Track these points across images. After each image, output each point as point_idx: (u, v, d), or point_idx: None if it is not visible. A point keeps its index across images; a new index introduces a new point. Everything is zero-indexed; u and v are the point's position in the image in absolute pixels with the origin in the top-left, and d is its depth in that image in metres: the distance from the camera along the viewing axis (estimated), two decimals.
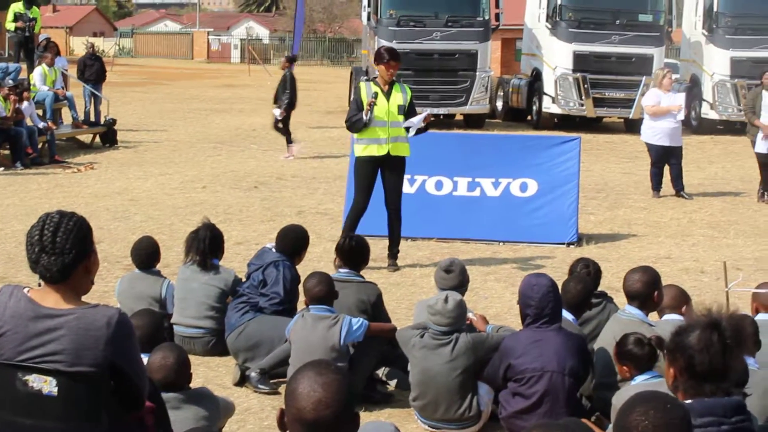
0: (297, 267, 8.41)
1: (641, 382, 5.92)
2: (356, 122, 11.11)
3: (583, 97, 27.42)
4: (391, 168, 11.20)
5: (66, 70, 25.45)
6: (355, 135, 11.26)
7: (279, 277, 8.14)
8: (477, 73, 27.55)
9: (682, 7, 30.47)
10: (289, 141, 21.18)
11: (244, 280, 8.50)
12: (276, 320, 7.92)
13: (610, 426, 6.11)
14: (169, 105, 34.17)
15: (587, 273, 7.73)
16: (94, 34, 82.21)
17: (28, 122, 19.84)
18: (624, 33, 27.38)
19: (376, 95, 11.04)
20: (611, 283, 9.74)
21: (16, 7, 23.74)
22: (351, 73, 33.18)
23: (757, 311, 7.24)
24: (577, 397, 6.60)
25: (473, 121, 28.42)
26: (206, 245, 8.50)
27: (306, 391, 3.34)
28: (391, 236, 11.48)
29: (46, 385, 4.07)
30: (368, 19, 28.25)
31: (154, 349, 5.68)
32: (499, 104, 31.64)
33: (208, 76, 53.79)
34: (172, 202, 15.58)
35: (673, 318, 6.91)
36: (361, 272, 8.17)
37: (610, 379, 6.49)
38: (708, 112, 27.93)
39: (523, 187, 13.23)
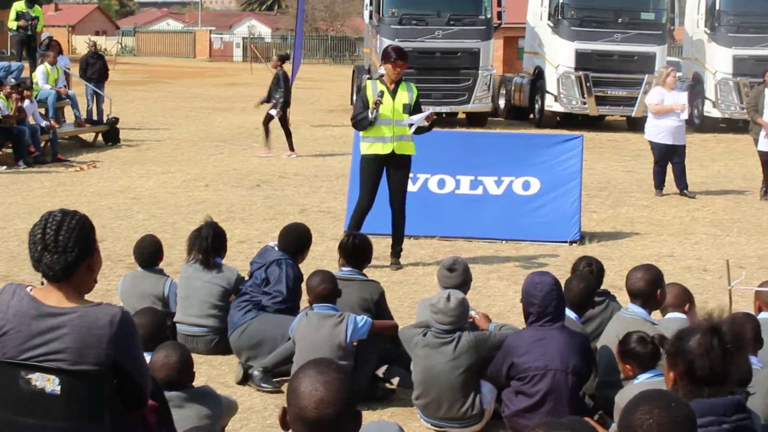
0: (300, 265, 8.40)
1: (644, 381, 5.92)
2: (362, 120, 11.11)
3: (586, 96, 27.42)
4: (395, 166, 11.20)
5: (69, 69, 25.47)
6: (361, 133, 11.27)
7: (282, 275, 8.14)
8: (479, 72, 27.56)
9: (685, 5, 30.47)
10: (290, 137, 21.16)
11: (246, 278, 8.49)
12: (279, 319, 7.92)
13: (613, 424, 6.11)
14: (172, 103, 34.19)
15: (590, 271, 7.72)
16: (97, 33, 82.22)
17: (31, 121, 19.86)
18: (626, 31, 27.39)
19: (382, 94, 11.03)
20: (614, 281, 9.74)
21: (19, 6, 23.74)
22: (353, 72, 33.20)
23: (759, 310, 7.23)
24: (580, 395, 6.60)
25: (476, 120, 28.44)
26: (209, 244, 8.50)
27: (308, 390, 3.33)
28: (395, 235, 11.48)
29: (49, 383, 4.07)
30: (370, 17, 28.25)
31: (156, 348, 5.68)
32: (502, 102, 31.66)
33: (210, 74, 53.82)
34: (174, 200, 15.58)
35: (676, 316, 6.91)
36: (364, 271, 8.17)
37: (613, 378, 6.48)
38: (710, 111, 27.93)
39: (526, 186, 13.23)
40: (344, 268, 8.08)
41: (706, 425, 3.93)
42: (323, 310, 7.28)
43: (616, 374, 6.39)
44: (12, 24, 24.02)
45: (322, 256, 11.46)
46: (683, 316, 6.93)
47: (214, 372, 8.04)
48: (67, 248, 4.10)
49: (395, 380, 7.73)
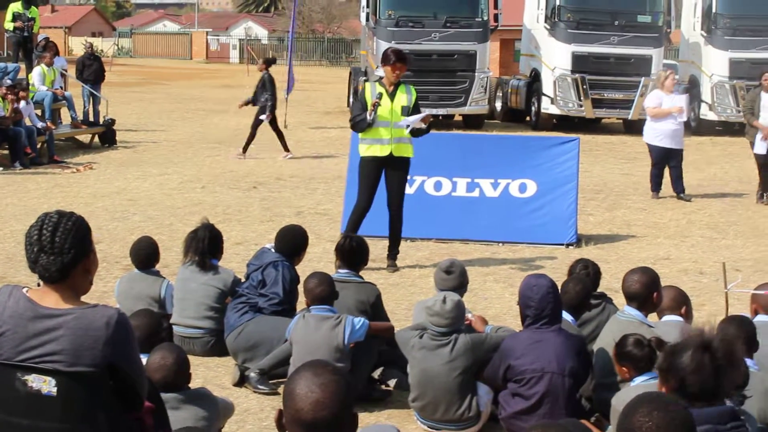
0: (296, 267, 8.40)
1: (641, 383, 5.91)
2: (360, 122, 11.12)
3: (582, 98, 27.43)
4: (394, 169, 11.21)
5: (65, 71, 25.46)
6: (359, 135, 11.28)
7: (278, 277, 8.14)
8: (476, 74, 27.55)
9: (681, 8, 30.50)
10: (283, 142, 21.12)
11: (243, 280, 8.49)
12: (275, 320, 7.92)
13: (610, 427, 6.12)
14: (168, 105, 34.17)
15: (586, 274, 7.73)
16: (93, 34, 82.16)
17: (27, 122, 19.83)
18: (623, 34, 27.39)
19: (380, 96, 11.04)
20: (610, 284, 9.75)
21: (15, 7, 23.75)
22: (350, 74, 33.19)
23: (756, 312, 7.24)
24: (577, 398, 6.60)
25: (472, 122, 28.43)
26: (205, 245, 8.50)
27: (304, 392, 3.32)
28: (392, 237, 11.49)
29: (45, 385, 4.06)
30: (367, 19, 28.25)
31: (153, 350, 5.67)
32: (498, 105, 31.65)
33: (206, 76, 53.80)
34: (170, 202, 15.57)
35: (673, 319, 6.91)
36: (361, 272, 8.17)
37: (609, 380, 6.48)
38: (707, 113, 27.95)
39: (522, 188, 13.23)
40: (341, 270, 8.08)
41: None
42: (320, 312, 7.28)
43: (612, 376, 6.39)
44: (8, 25, 24.04)
45: (319, 258, 11.45)
46: (680, 319, 6.93)
47: (210, 374, 8.03)
48: (63, 250, 4.09)
49: (392, 382, 7.73)
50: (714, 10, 27.74)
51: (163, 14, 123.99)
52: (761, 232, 14.17)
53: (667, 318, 6.97)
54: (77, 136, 23.07)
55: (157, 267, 8.85)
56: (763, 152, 16.07)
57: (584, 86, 27.30)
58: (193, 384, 5.93)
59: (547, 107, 28.01)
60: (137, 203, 15.42)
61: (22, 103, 19.67)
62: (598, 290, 7.82)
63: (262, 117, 20.83)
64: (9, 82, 20.53)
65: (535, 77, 28.98)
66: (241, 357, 8.01)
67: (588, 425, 6.00)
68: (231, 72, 57.86)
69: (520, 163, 13.33)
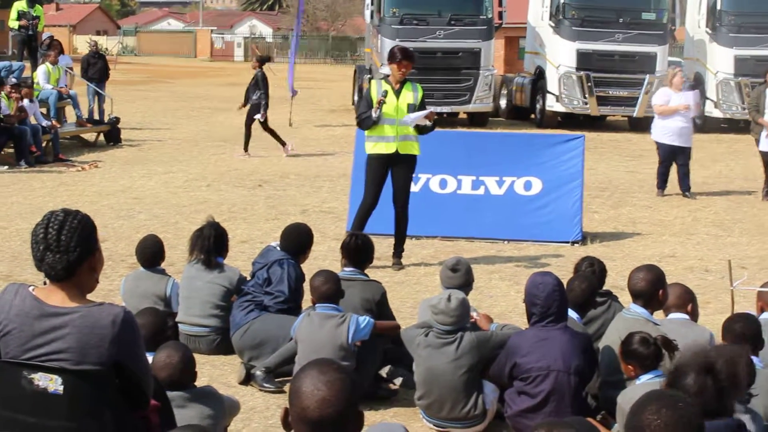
0: (302, 266, 8.40)
1: (646, 381, 5.91)
2: (365, 119, 11.14)
3: (587, 96, 27.41)
4: (399, 166, 11.21)
5: (71, 69, 25.47)
6: (365, 132, 11.29)
7: (284, 275, 8.14)
8: (480, 72, 27.53)
9: (686, 5, 30.46)
10: (279, 138, 21.11)
11: (248, 278, 8.49)
12: (281, 319, 7.92)
13: (616, 425, 6.11)
14: (173, 103, 34.19)
15: (592, 271, 7.72)
16: (98, 33, 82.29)
17: (32, 121, 19.85)
18: (627, 31, 27.38)
19: (385, 93, 11.05)
20: (616, 281, 9.73)
21: (20, 6, 23.74)
22: (354, 72, 33.19)
23: (762, 310, 7.24)
24: (583, 395, 6.60)
25: (477, 120, 28.43)
26: (211, 244, 8.50)
27: (309, 390, 3.32)
28: (397, 235, 11.49)
29: (51, 383, 4.07)
30: (371, 17, 28.24)
31: (159, 348, 5.67)
32: (503, 103, 31.65)
33: (211, 74, 53.85)
34: (176, 200, 15.58)
35: (679, 317, 6.90)
36: (366, 271, 8.17)
37: (615, 378, 6.48)
38: (712, 111, 27.92)
39: (528, 186, 13.23)
40: (346, 269, 8.07)
41: None
42: (325, 311, 7.28)
43: (618, 374, 6.39)
44: (13, 23, 24.03)
45: (324, 256, 11.45)
46: (686, 316, 6.92)
47: (216, 372, 8.04)
48: (69, 248, 4.09)
49: (398, 381, 7.73)
50: (719, 8, 27.72)
51: (167, 12, 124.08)
52: (767, 230, 14.16)
53: (673, 315, 6.96)
54: (82, 135, 23.08)
55: (163, 265, 8.85)
56: None
57: (589, 84, 27.28)
58: (199, 382, 5.93)
59: (552, 105, 28.00)
60: (142, 201, 15.42)
61: (27, 102, 19.69)
62: (604, 288, 7.81)
63: (257, 116, 20.82)
64: (14, 80, 20.54)
65: (539, 75, 28.96)
66: (247, 355, 8.01)
67: (594, 423, 6.00)
68: (235, 70, 57.84)
69: (525, 161, 13.32)
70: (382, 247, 11.07)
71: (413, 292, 10.38)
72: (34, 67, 23.59)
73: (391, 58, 11.21)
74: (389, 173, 11.26)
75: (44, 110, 21.67)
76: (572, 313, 6.96)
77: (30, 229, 4.22)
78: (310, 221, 11.40)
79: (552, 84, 27.92)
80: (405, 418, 7.09)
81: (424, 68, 25.48)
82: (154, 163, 19.83)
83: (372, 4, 28.00)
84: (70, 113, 24.02)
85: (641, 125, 27.65)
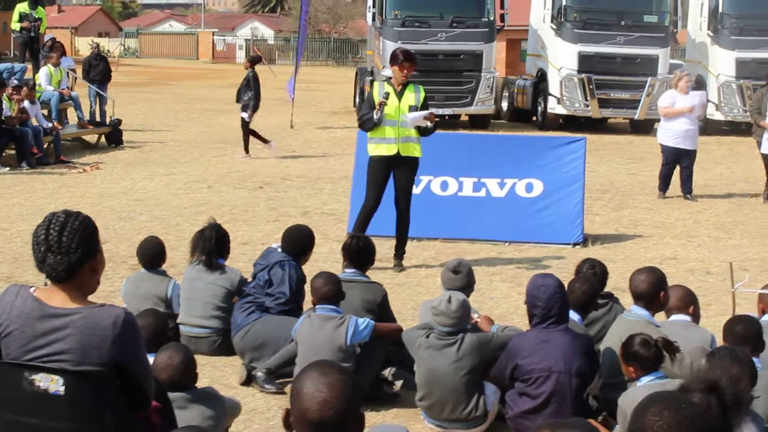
0: (303, 267, 8.40)
1: (647, 383, 5.90)
2: (367, 121, 11.15)
3: (589, 98, 27.41)
4: (401, 168, 11.22)
5: (73, 71, 25.49)
6: (368, 134, 11.30)
7: (285, 277, 8.14)
8: (482, 74, 27.53)
9: (688, 8, 30.45)
10: (248, 142, 21.10)
11: (249, 280, 8.50)
12: (282, 320, 7.92)
13: (617, 426, 6.11)
14: (174, 105, 34.20)
15: (593, 273, 7.72)
16: (99, 35, 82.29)
17: (34, 122, 19.86)
18: (629, 34, 27.37)
19: (387, 95, 11.05)
20: (617, 283, 9.73)
21: (22, 8, 23.78)
22: (356, 74, 33.17)
23: (763, 312, 7.25)
24: (584, 397, 6.60)
25: (478, 122, 28.42)
26: (212, 245, 8.51)
27: (310, 392, 3.32)
28: (398, 237, 11.49)
29: (52, 384, 4.07)
30: (373, 19, 28.24)
31: (160, 349, 5.68)
32: (504, 105, 31.64)
33: (213, 76, 53.82)
34: (177, 202, 15.58)
35: (680, 319, 6.91)
36: (367, 272, 8.17)
37: (616, 380, 6.47)
38: (713, 113, 27.89)
39: (529, 188, 13.23)
40: (347, 270, 8.08)
41: None
42: (325, 312, 7.28)
43: (619, 376, 6.38)
44: (15, 25, 24.07)
45: (326, 257, 11.45)
46: (687, 318, 6.93)
47: (217, 373, 8.04)
48: (70, 249, 4.10)
49: (399, 382, 7.73)
50: (720, 10, 27.71)
51: (169, 14, 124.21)
52: None
53: (674, 317, 6.96)
54: (84, 136, 23.09)
55: (164, 267, 8.86)
56: None
57: (591, 86, 27.28)
58: (200, 383, 5.93)
59: (554, 107, 28.00)
60: (144, 203, 15.43)
61: (29, 103, 19.70)
62: (605, 290, 7.81)
63: (243, 115, 20.85)
64: (15, 82, 20.56)
65: (541, 77, 28.96)
66: (248, 356, 8.01)
67: (595, 425, 5.99)
68: (237, 72, 57.59)
69: (526, 163, 13.32)
70: (384, 248, 11.07)
71: (414, 294, 10.38)
72: (36, 69, 23.61)
73: (393, 60, 11.22)
74: (391, 175, 11.27)
75: (46, 112, 21.69)
76: (573, 315, 6.96)
77: (31, 231, 4.23)
78: (312, 223, 11.40)
79: (553, 86, 27.92)
80: (406, 419, 7.09)
81: (426, 70, 25.51)
82: (155, 164, 19.83)
83: (374, 6, 28.00)
84: (71, 115, 24.04)
85: (643, 128, 27.70)
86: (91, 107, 24.94)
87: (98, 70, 25.33)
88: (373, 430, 4.81)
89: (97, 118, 24.61)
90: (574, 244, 12.84)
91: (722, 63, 27.61)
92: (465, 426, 6.87)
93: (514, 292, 10.41)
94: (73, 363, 4.06)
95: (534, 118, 29.73)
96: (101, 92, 24.96)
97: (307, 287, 7.88)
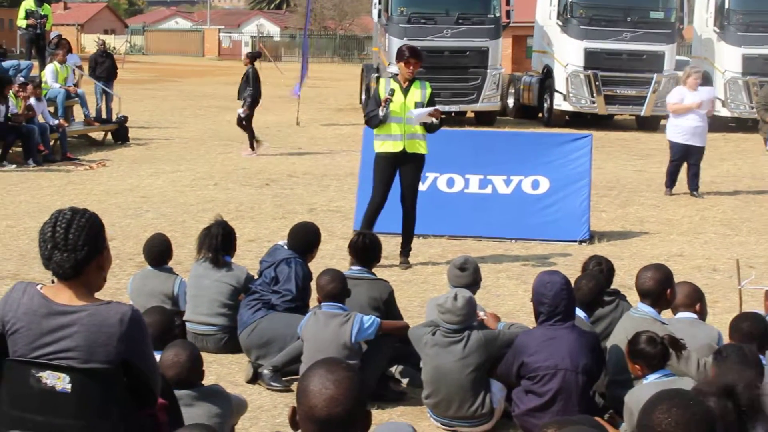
0: (309, 264, 8.40)
1: (653, 381, 5.89)
2: (373, 118, 11.16)
3: (595, 95, 27.38)
4: (407, 165, 11.21)
5: (80, 68, 25.49)
6: (374, 131, 11.29)
7: (291, 274, 8.13)
8: (488, 71, 27.50)
9: (694, 4, 30.39)
10: (252, 138, 21.09)
11: (256, 277, 8.49)
12: (288, 317, 7.92)
13: (623, 424, 6.10)
14: (180, 102, 34.22)
15: (600, 270, 7.71)
16: (105, 32, 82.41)
17: (40, 119, 19.88)
18: (635, 30, 27.33)
19: (392, 92, 11.05)
20: (623, 280, 9.72)
21: (28, 5, 23.78)
22: (362, 71, 33.17)
23: None
24: (590, 394, 6.59)
25: (484, 119, 28.40)
26: (218, 242, 8.50)
27: (318, 389, 3.31)
28: (405, 234, 11.48)
29: (59, 381, 4.07)
30: (379, 16, 28.20)
31: (166, 347, 5.67)
32: (510, 101, 31.61)
33: (219, 73, 53.85)
34: (183, 199, 15.59)
35: (687, 316, 6.90)
36: (373, 269, 8.17)
37: (623, 377, 6.46)
38: (720, 110, 27.82)
39: (535, 185, 13.22)
40: (353, 267, 8.08)
41: None
42: (331, 310, 7.28)
43: (626, 374, 6.37)
44: (21, 22, 24.07)
45: (332, 255, 11.45)
46: (694, 315, 6.92)
47: (223, 371, 8.04)
48: (77, 246, 4.10)
49: (405, 380, 7.73)
50: (727, 6, 27.66)
51: (175, 11, 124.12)
52: None
53: (681, 315, 6.95)
54: (90, 134, 23.11)
55: (170, 264, 8.86)
56: None
57: (597, 83, 27.25)
58: (207, 381, 5.93)
59: (560, 104, 27.96)
60: (150, 200, 15.44)
61: (35, 101, 19.71)
62: (612, 287, 7.80)
63: (239, 111, 20.86)
64: (22, 79, 20.56)
65: (547, 74, 28.93)
66: (254, 354, 8.01)
67: (602, 422, 5.98)
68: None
69: (532, 160, 13.31)
70: (390, 245, 11.07)
71: (421, 291, 10.37)
72: (42, 66, 23.61)
73: (399, 56, 11.21)
74: (397, 172, 11.26)
75: (52, 109, 21.70)
76: (580, 312, 6.96)
77: (38, 228, 4.23)
78: (318, 220, 11.40)
79: (560, 83, 27.89)
80: (412, 417, 7.09)
81: (432, 67, 25.45)
82: (161, 161, 19.84)
83: (380, 3, 27.95)
84: (78, 112, 24.04)
85: (649, 124, 27.66)
86: (97, 104, 24.93)
87: (104, 67, 25.32)
88: (379, 428, 4.80)
89: (104, 115, 24.61)
90: (581, 241, 12.82)
91: (728, 59, 27.56)
92: (471, 424, 6.87)
93: (521, 289, 10.40)
94: (80, 360, 4.06)
95: (540, 115, 29.72)
96: (107, 89, 24.96)
97: (313, 284, 7.88)
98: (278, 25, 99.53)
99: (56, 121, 20.51)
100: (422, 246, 12.23)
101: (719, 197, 16.65)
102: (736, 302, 8.42)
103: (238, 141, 22.72)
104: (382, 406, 7.21)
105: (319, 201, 15.55)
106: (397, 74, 11.45)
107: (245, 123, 20.97)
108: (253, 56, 21.71)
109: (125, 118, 23.31)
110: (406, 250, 11.53)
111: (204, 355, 6.15)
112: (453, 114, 27.35)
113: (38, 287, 4.20)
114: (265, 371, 7.67)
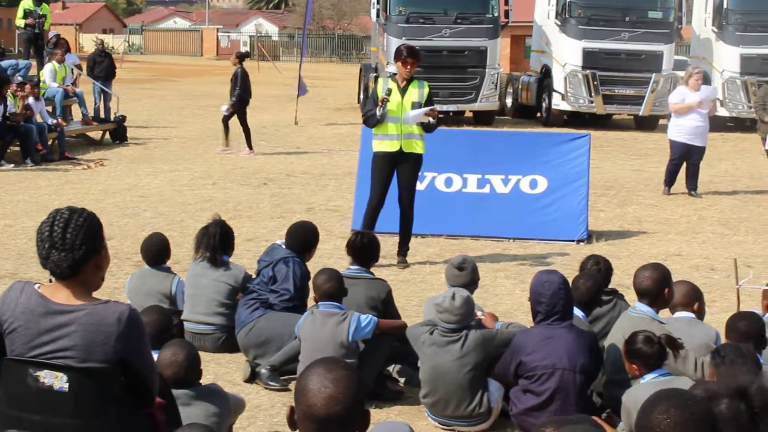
0: (307, 264, 8.40)
1: (650, 381, 5.89)
2: (370, 117, 11.17)
3: (593, 94, 27.38)
4: (404, 165, 11.22)
5: (78, 67, 25.48)
6: (372, 130, 11.30)
7: (289, 273, 8.13)
8: (486, 70, 27.50)
9: (692, 4, 30.40)
10: (227, 134, 21.08)
11: (254, 276, 8.49)
12: (286, 317, 7.92)
13: (621, 423, 6.11)
14: (179, 102, 34.20)
15: (598, 270, 7.72)
16: (104, 31, 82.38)
17: (38, 119, 19.86)
18: (634, 30, 27.34)
19: (389, 91, 11.05)
20: (621, 280, 9.73)
21: (26, 4, 23.78)
22: (360, 70, 33.19)
23: (767, 308, 7.23)
24: (588, 394, 6.59)
25: (483, 118, 28.39)
26: (216, 241, 8.50)
27: (316, 387, 3.31)
28: (402, 233, 11.49)
29: (57, 380, 4.07)
30: (377, 15, 28.20)
31: (164, 346, 5.68)
32: (509, 101, 31.61)
33: (217, 72, 53.73)
34: (181, 198, 15.59)
35: (685, 315, 6.90)
36: (371, 269, 8.17)
37: (620, 377, 6.47)
38: (718, 109, 27.81)
39: (533, 184, 13.22)
40: (352, 267, 8.08)
41: None
42: (328, 309, 7.28)
43: (623, 373, 6.37)
44: (20, 22, 24.07)
45: (330, 254, 11.45)
46: (692, 315, 6.92)
47: (221, 370, 8.04)
48: (74, 246, 4.10)
49: (402, 379, 7.73)
50: (725, 6, 27.67)
51: (173, 11, 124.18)
52: None
53: (679, 314, 6.96)
54: (88, 133, 23.11)
55: (168, 263, 8.86)
56: None
57: (595, 82, 27.26)
58: (204, 380, 5.93)
59: (558, 103, 27.96)
60: (148, 200, 15.44)
61: (33, 100, 19.71)
62: (610, 286, 7.80)
63: (222, 108, 20.87)
64: (20, 78, 20.56)
65: (545, 73, 28.94)
66: (252, 353, 8.01)
67: (599, 422, 5.99)
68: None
69: (530, 160, 13.31)
70: (388, 245, 11.07)
71: (418, 291, 10.38)
72: (41, 66, 23.61)
73: (397, 56, 11.22)
74: (395, 172, 11.27)
75: (50, 108, 21.68)
76: (578, 312, 6.96)
77: (36, 227, 4.22)
78: (316, 219, 11.39)
79: (558, 82, 27.90)
80: (410, 416, 7.09)
81: (430, 67, 25.48)
82: (159, 161, 19.84)
83: (378, 2, 27.94)
84: (76, 111, 24.03)
85: (647, 124, 27.67)
86: (95, 104, 24.92)
87: (102, 66, 25.32)
88: (377, 428, 4.79)
89: (102, 115, 24.59)
90: (579, 241, 12.83)
91: (727, 59, 27.57)
92: (469, 423, 6.87)
93: (518, 288, 10.41)
94: (78, 360, 4.06)
95: (538, 115, 29.72)
96: (105, 89, 24.95)
97: (310, 284, 7.88)
98: (277, 24, 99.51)
99: (54, 121, 20.50)
100: (420, 245, 12.24)
101: (717, 197, 16.66)
102: (734, 302, 8.42)
103: (237, 141, 22.71)
104: (379, 405, 7.21)
105: (317, 200, 15.55)
106: (395, 74, 11.46)
107: (232, 121, 20.97)
108: (242, 56, 21.74)
109: (123, 118, 23.30)
110: (403, 249, 11.53)
111: (202, 354, 6.15)
112: (451, 113, 27.35)
113: (36, 286, 4.20)
114: (263, 370, 7.67)
